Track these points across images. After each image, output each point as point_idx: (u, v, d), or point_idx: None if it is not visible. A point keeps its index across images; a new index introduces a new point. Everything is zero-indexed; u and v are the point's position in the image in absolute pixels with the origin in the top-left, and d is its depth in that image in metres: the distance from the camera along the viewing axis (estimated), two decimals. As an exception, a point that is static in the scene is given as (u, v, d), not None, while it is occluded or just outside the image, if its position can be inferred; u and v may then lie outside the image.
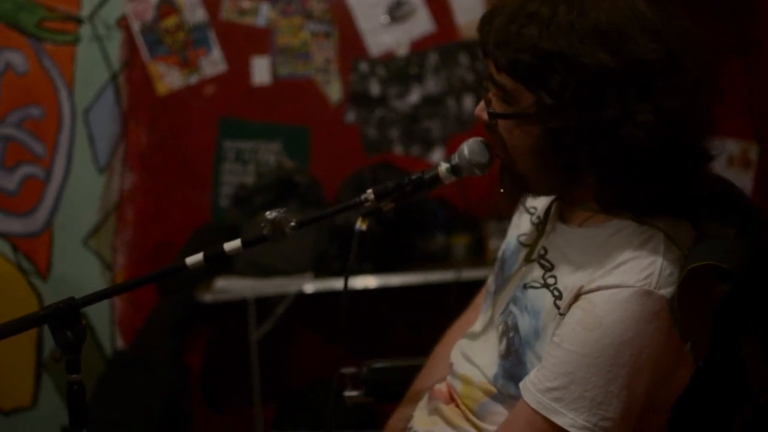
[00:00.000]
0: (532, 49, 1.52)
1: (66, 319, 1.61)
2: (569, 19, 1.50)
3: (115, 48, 4.27)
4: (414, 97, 4.34)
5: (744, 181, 4.21)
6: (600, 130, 1.51)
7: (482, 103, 1.69)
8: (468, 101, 4.29)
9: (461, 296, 2.23)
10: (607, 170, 1.56)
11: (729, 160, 4.21)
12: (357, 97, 4.33)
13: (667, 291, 1.51)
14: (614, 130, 1.50)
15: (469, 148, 1.73)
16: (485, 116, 1.68)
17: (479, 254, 4.04)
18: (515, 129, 1.62)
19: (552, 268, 1.69)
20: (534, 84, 1.55)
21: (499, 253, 1.98)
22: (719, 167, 4.08)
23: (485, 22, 1.63)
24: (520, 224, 1.94)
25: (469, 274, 3.71)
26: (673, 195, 1.59)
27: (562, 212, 1.77)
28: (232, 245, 1.73)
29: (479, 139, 1.74)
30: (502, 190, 1.76)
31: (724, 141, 4.20)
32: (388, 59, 4.33)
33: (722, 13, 4.06)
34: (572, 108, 1.51)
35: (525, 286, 1.72)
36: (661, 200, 1.59)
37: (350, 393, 2.25)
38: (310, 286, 3.80)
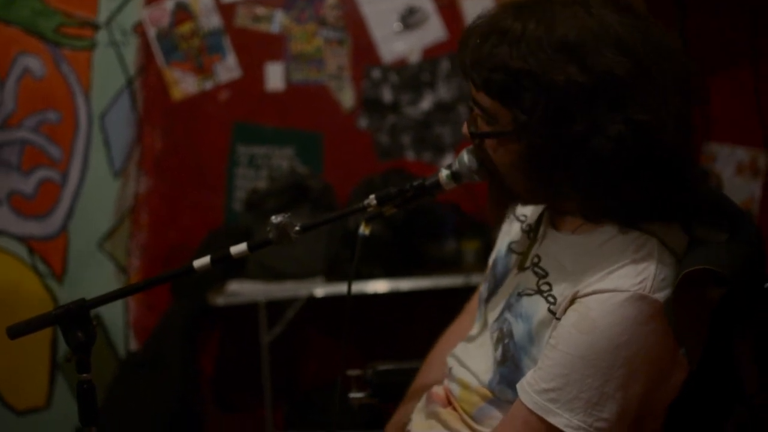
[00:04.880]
0: (504, 68, 1.54)
1: (77, 319, 1.65)
2: (537, 35, 1.52)
3: (131, 54, 4.32)
4: (426, 103, 4.37)
5: (753, 188, 4.22)
6: (573, 144, 1.53)
7: (466, 123, 1.72)
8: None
9: (465, 304, 2.26)
10: (584, 183, 1.58)
11: (738, 167, 4.22)
12: (369, 104, 4.36)
13: (660, 295, 1.54)
14: (586, 143, 1.52)
15: (468, 154, 1.76)
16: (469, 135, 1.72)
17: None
18: (498, 147, 1.65)
19: (546, 275, 1.71)
20: (508, 102, 1.57)
21: (490, 261, 2.01)
22: (728, 175, 4.14)
23: (463, 43, 1.65)
24: (511, 231, 1.96)
25: (479, 279, 3.66)
26: (655, 203, 1.61)
27: (553, 219, 1.80)
28: (238, 249, 1.77)
29: None
30: (490, 200, 1.79)
31: (734, 149, 4.21)
32: (400, 66, 4.36)
33: (732, 21, 4.08)
34: (545, 124, 1.53)
35: (519, 294, 1.75)
36: (643, 208, 1.61)
37: (356, 394, 2.28)
38: (320, 290, 3.83)
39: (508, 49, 1.54)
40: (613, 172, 1.54)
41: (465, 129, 1.73)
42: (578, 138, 1.52)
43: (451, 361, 1.95)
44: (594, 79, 1.50)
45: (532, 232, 1.86)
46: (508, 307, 1.77)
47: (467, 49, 1.63)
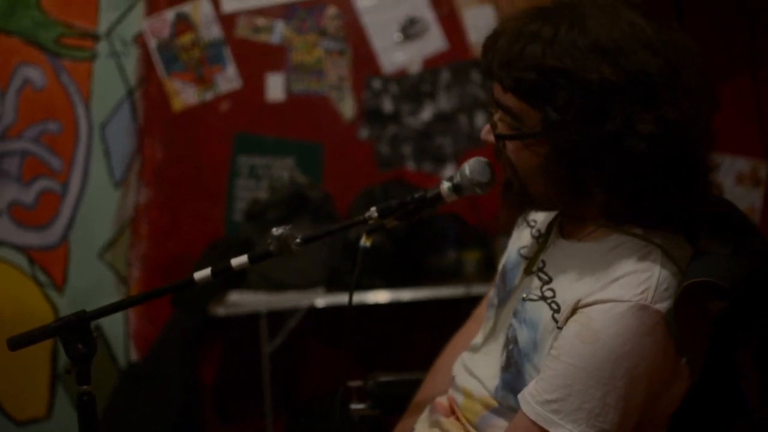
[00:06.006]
0: (537, 67, 1.55)
1: (76, 331, 1.65)
2: (571, 37, 1.54)
3: (132, 64, 4.33)
4: (426, 114, 4.37)
5: (753, 198, 4.22)
6: (605, 142, 1.53)
7: (487, 127, 1.72)
8: (480, 118, 4.32)
9: (472, 311, 2.25)
10: (613, 182, 1.58)
11: (739, 177, 4.22)
12: (370, 114, 4.37)
13: (662, 305, 1.54)
14: (618, 142, 1.53)
15: (470, 167, 1.76)
16: (491, 139, 1.71)
17: (490, 270, 4.01)
18: (523, 150, 1.65)
19: (550, 281, 1.71)
20: (539, 101, 1.58)
21: (500, 266, 2.01)
22: (729, 185, 4.14)
23: (489, 44, 1.65)
24: (521, 237, 1.96)
25: (480, 289, 3.68)
26: (678, 204, 1.62)
27: (562, 227, 1.80)
28: (239, 261, 1.76)
29: (481, 158, 1.77)
30: (504, 206, 1.79)
31: (735, 159, 4.21)
32: (400, 77, 4.36)
33: (732, 30, 4.09)
34: (578, 123, 1.54)
35: (524, 299, 1.75)
36: (666, 210, 1.62)
37: (357, 406, 2.27)
38: (321, 301, 3.83)
39: (541, 48, 1.55)
40: (644, 171, 1.55)
41: (484, 134, 1.72)
42: (611, 137, 1.53)
43: (456, 370, 1.95)
44: (627, 78, 1.51)
45: (541, 238, 1.86)
46: (514, 312, 1.78)
47: (494, 50, 1.63)
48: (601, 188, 1.60)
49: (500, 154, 1.72)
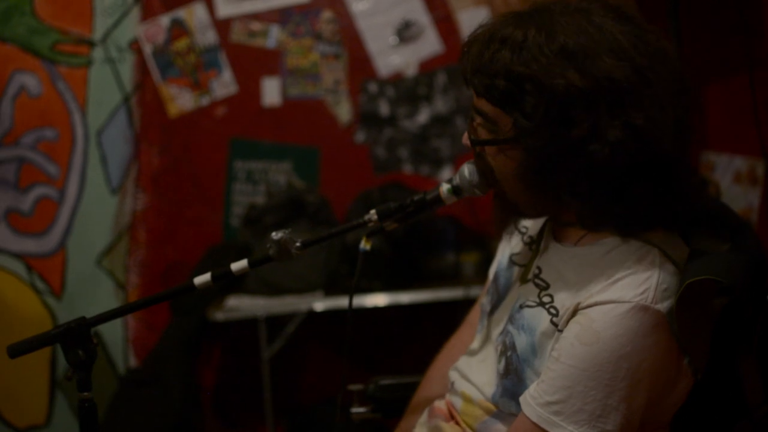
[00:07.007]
0: (506, 73, 1.56)
1: (77, 338, 1.65)
2: (538, 42, 1.54)
3: (128, 70, 4.32)
4: (423, 116, 4.37)
5: (751, 197, 4.21)
6: (571, 148, 1.54)
7: (466, 133, 1.73)
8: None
9: (465, 317, 2.25)
10: (580, 189, 1.59)
11: (736, 176, 4.22)
12: (366, 118, 4.36)
13: (663, 305, 1.54)
14: (584, 148, 1.53)
15: (469, 169, 1.76)
16: (469, 144, 1.72)
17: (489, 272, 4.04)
18: (499, 155, 1.66)
19: (547, 287, 1.71)
20: (510, 107, 1.59)
21: (491, 274, 2.01)
22: (726, 184, 4.13)
23: (464, 51, 1.67)
24: (511, 243, 1.97)
25: (478, 291, 3.67)
26: (654, 210, 1.61)
27: (555, 231, 1.80)
28: (238, 265, 1.76)
29: None
30: (497, 213, 1.79)
31: (732, 158, 4.21)
32: (396, 80, 4.36)
33: (728, 30, 4.08)
34: (546, 128, 1.55)
35: (521, 306, 1.74)
36: (642, 216, 1.62)
37: (358, 410, 2.26)
38: (320, 305, 3.82)
39: (509, 54, 1.56)
40: (610, 176, 1.55)
41: (465, 139, 1.73)
42: (577, 142, 1.54)
43: (453, 375, 1.95)
44: (593, 84, 1.51)
45: (533, 244, 1.86)
46: (510, 319, 1.77)
47: (469, 57, 1.65)
48: (570, 195, 1.61)
49: (480, 159, 1.73)
